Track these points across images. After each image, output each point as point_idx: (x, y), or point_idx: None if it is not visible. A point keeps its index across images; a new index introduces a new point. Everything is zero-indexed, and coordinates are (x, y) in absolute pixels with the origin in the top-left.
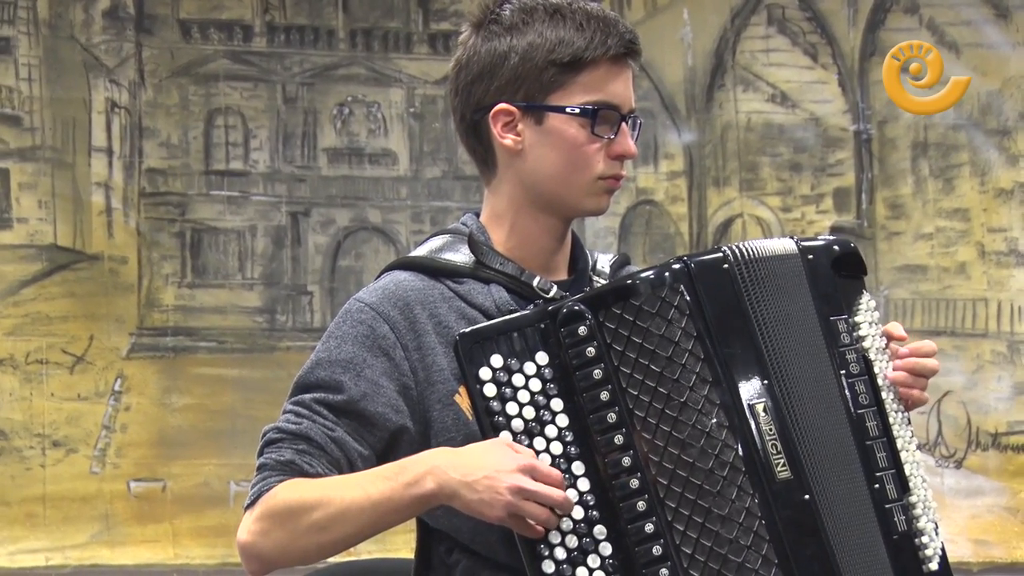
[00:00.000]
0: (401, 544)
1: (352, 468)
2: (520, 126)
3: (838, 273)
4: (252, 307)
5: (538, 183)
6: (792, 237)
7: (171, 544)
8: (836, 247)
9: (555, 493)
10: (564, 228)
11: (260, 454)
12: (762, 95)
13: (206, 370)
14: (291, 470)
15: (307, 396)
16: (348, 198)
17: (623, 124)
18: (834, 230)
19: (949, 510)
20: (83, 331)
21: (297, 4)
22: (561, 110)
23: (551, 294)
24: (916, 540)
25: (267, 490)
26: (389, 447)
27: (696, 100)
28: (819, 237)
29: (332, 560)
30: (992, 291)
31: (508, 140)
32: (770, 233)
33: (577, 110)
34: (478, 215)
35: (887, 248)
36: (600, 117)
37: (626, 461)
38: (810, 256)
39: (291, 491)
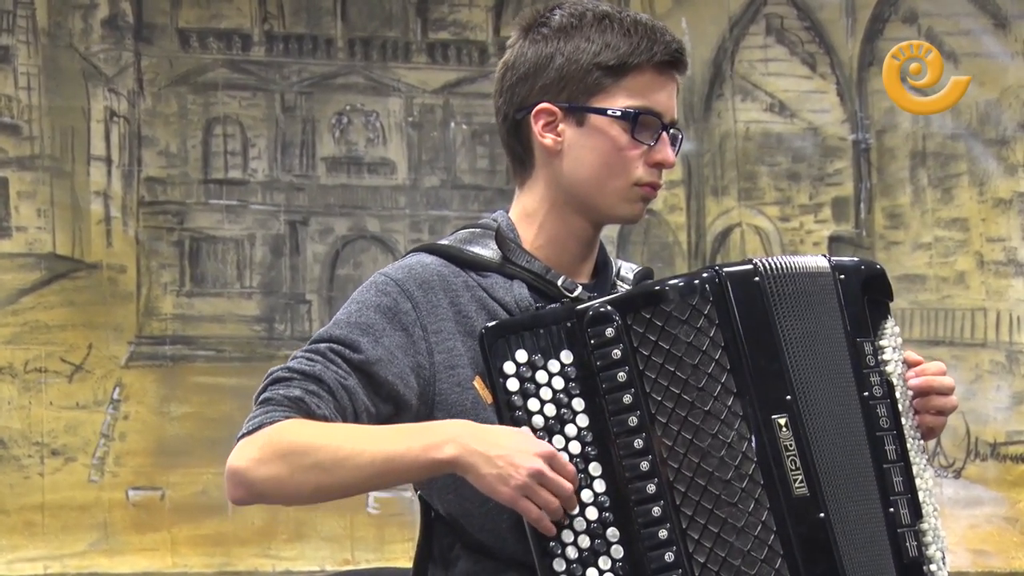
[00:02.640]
0: (400, 553)
1: (357, 420)
2: (561, 126)
3: (867, 295)
4: (250, 316)
5: (574, 184)
6: (824, 256)
7: (169, 553)
8: (864, 267)
9: (568, 486)
10: (593, 233)
11: (263, 391)
12: (760, 104)
13: (204, 379)
14: (298, 408)
15: (322, 345)
16: (346, 207)
17: (664, 133)
18: (832, 240)
19: (948, 520)
20: (82, 340)
21: (296, 13)
22: (603, 112)
23: (575, 294)
24: (925, 567)
25: (271, 423)
26: (389, 417)
27: (694, 109)
28: (849, 257)
29: (330, 568)
30: (991, 301)
31: (548, 139)
32: (768, 243)
33: (619, 113)
34: (508, 213)
35: (885, 258)
36: (641, 122)
37: (644, 466)
38: (842, 276)
39: (299, 428)
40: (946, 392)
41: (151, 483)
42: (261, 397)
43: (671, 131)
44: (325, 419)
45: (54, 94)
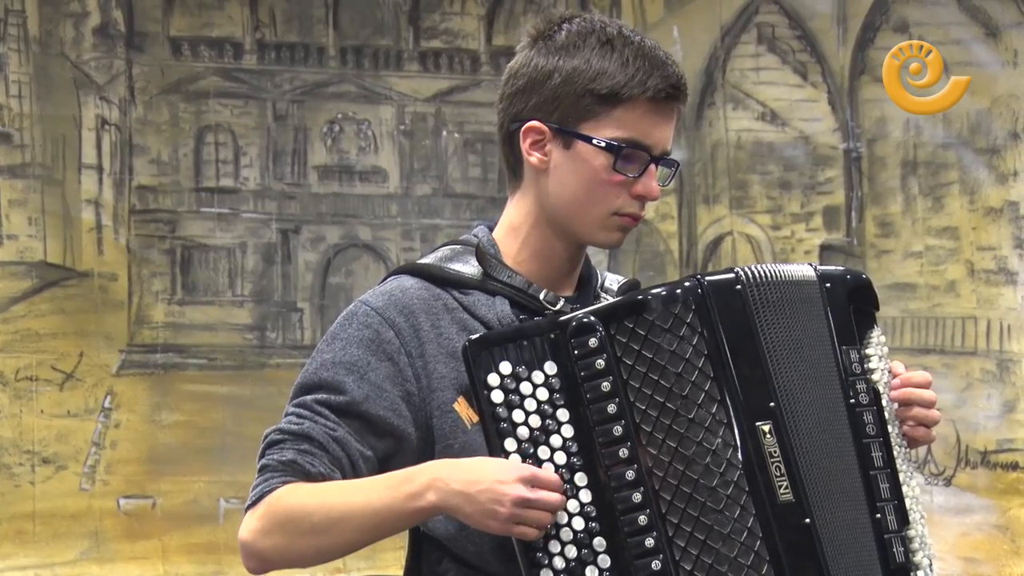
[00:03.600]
0: (392, 561)
1: (354, 468)
2: (549, 146)
3: (853, 304)
4: (242, 324)
5: (555, 205)
6: (810, 264)
7: (160, 561)
8: (850, 277)
9: (554, 498)
10: (576, 252)
11: (261, 456)
12: (752, 113)
13: (196, 387)
14: (293, 470)
15: (309, 398)
16: (338, 215)
17: (651, 166)
18: (824, 248)
19: (938, 528)
20: (73, 348)
21: (288, 22)
22: (588, 140)
23: (557, 307)
24: (912, 574)
25: (269, 491)
26: (390, 451)
27: (686, 118)
28: (835, 267)
29: None
30: (981, 309)
31: (534, 158)
32: (759, 251)
33: (603, 143)
34: (491, 226)
35: (876, 266)
36: (624, 155)
37: (630, 475)
38: (828, 284)
39: (293, 494)
40: (927, 404)
41: (142, 491)
42: (259, 464)
43: (662, 161)
44: (321, 475)
45: (45, 102)
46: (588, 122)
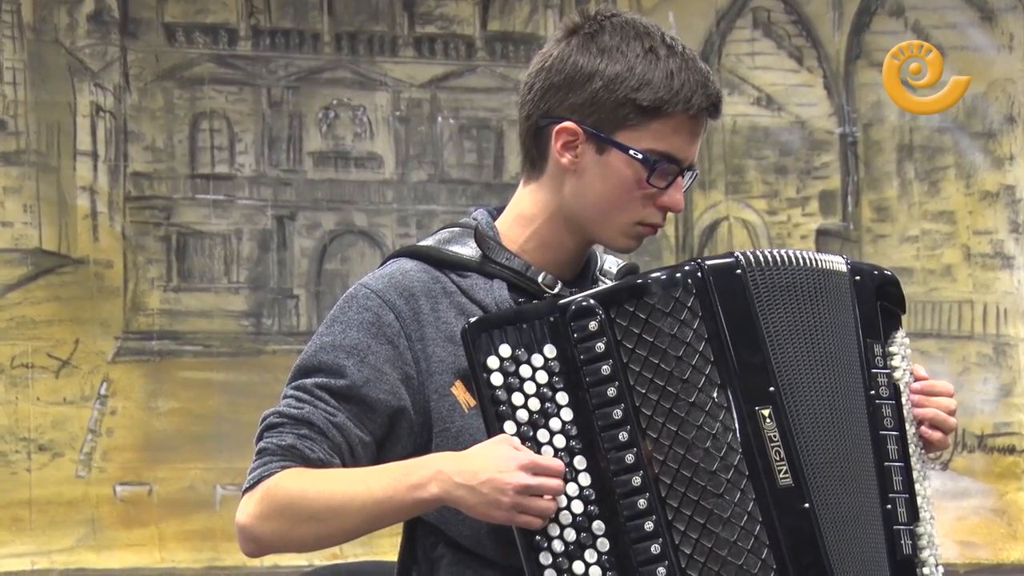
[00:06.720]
0: (388, 547)
1: (353, 454)
2: (581, 148)
3: (880, 300)
4: (238, 311)
5: (578, 206)
6: (842, 256)
7: (157, 548)
8: (878, 273)
9: (554, 483)
10: (586, 248)
11: (260, 438)
12: (748, 98)
13: (192, 374)
14: (293, 455)
15: (308, 381)
16: (334, 201)
17: (679, 178)
18: (820, 233)
19: (935, 512)
20: (69, 335)
21: (282, 8)
22: (625, 150)
23: (555, 290)
24: (918, 570)
25: (268, 475)
26: (389, 434)
27: None
28: (865, 262)
29: (318, 563)
30: (978, 293)
31: (565, 159)
32: (756, 236)
33: (639, 156)
34: (491, 211)
35: (873, 251)
36: (659, 168)
37: (629, 459)
38: (858, 277)
39: (293, 480)
40: (945, 409)
41: (139, 478)
42: (258, 446)
43: (687, 173)
44: (320, 461)
45: (40, 89)
46: (625, 131)
